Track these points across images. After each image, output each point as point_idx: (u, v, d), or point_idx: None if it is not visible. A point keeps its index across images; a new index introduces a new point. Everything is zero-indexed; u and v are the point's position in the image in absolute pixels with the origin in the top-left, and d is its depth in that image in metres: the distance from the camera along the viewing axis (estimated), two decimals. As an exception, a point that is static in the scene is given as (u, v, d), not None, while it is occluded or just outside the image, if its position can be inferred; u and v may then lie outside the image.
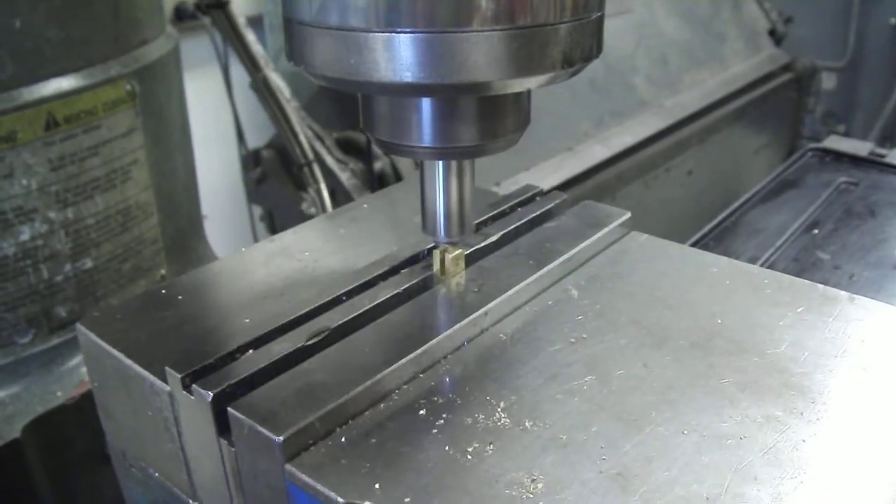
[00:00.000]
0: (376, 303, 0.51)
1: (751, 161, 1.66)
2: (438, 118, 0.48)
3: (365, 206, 0.66)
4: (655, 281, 0.55)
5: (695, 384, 0.46)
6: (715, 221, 0.94)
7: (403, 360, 0.46)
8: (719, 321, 0.51)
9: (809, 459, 0.41)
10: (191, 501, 0.50)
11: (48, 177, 0.76)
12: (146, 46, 0.85)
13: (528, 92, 0.50)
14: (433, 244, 0.54)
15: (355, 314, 0.50)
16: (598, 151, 1.35)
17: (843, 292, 0.54)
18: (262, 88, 1.16)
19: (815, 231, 0.93)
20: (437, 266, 0.53)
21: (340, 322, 0.49)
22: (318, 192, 1.08)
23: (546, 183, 1.28)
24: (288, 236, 0.63)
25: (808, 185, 1.01)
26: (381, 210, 0.67)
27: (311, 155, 1.11)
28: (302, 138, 1.12)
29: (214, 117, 1.39)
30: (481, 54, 0.43)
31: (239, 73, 1.29)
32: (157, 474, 0.52)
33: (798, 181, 1.02)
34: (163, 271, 0.89)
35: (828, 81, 2.18)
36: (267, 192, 1.32)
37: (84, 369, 0.80)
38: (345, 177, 1.15)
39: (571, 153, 1.33)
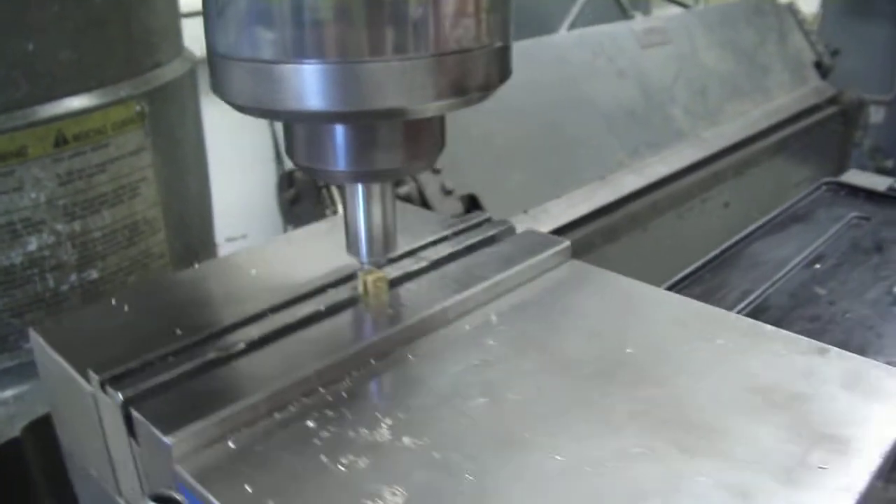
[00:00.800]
0: (296, 319, 0.53)
1: (791, 194, 1.63)
2: (353, 143, 0.50)
3: (324, 225, 0.69)
4: (579, 310, 0.57)
5: (584, 412, 0.47)
6: (714, 253, 0.94)
7: (303, 374, 0.49)
8: (629, 351, 0.52)
9: (672, 492, 0.41)
10: (117, 498, 0.53)
11: (56, 191, 0.81)
12: (159, 69, 0.90)
13: (441, 117, 0.52)
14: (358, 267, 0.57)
15: (273, 329, 0.52)
16: (631, 181, 1.35)
17: (769, 327, 0.55)
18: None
19: (817, 266, 0.92)
20: (360, 287, 0.56)
21: (256, 337, 0.52)
22: (336, 212, 1.11)
23: (576, 211, 1.29)
24: (246, 252, 0.66)
25: (818, 218, 1.00)
26: (320, 235, 0.69)
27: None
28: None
29: (254, 140, 1.44)
30: (388, 82, 0.45)
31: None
32: (94, 474, 0.55)
33: (808, 215, 1.01)
34: (169, 284, 0.93)
35: (876, 115, 2.13)
36: (300, 213, 1.36)
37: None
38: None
39: (604, 182, 1.34)
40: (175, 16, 0.97)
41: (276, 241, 0.67)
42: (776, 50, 1.75)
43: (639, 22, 1.61)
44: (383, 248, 0.54)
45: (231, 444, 0.45)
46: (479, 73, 0.48)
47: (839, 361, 0.51)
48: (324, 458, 0.44)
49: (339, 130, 0.50)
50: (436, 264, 0.60)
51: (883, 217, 0.99)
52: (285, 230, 1.60)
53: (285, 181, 1.33)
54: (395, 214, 0.54)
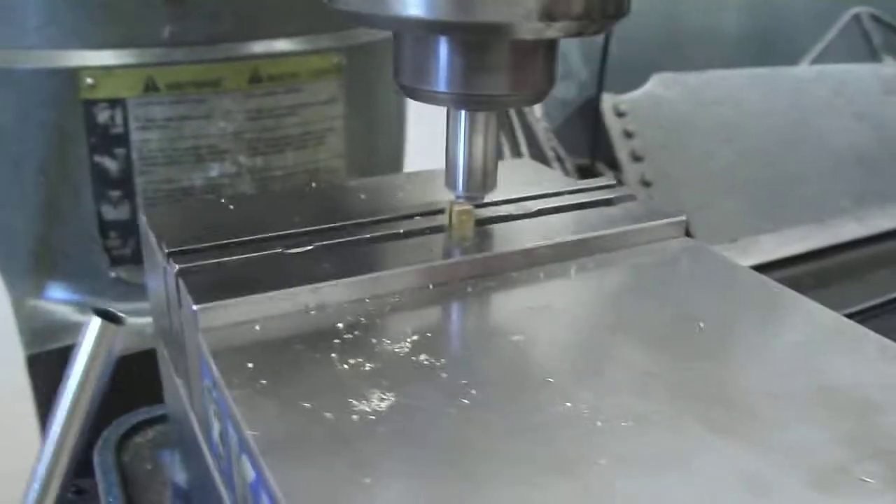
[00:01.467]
0: (373, 235, 0.53)
1: None
2: (457, 63, 0.49)
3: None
4: (666, 280, 0.52)
5: (621, 371, 0.43)
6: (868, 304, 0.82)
7: (353, 279, 0.48)
8: (701, 325, 0.47)
9: (671, 466, 0.36)
10: (179, 382, 0.55)
11: (244, 124, 0.86)
12: (359, 28, 0.93)
13: (556, 47, 0.50)
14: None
15: (345, 240, 0.52)
16: (851, 229, 1.24)
17: (871, 332, 0.47)
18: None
19: None
20: (446, 218, 0.54)
21: (326, 243, 0.52)
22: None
23: (789, 249, 1.20)
24: (368, 180, 0.67)
25: None
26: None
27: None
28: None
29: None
30: None
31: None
32: (164, 350, 0.58)
33: None
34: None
35: None
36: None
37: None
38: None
39: (821, 225, 1.23)
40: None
41: (400, 175, 0.67)
42: None
43: (887, 66, 1.47)
44: (481, 183, 0.53)
45: (257, 328, 0.45)
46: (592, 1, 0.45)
47: (942, 380, 0.43)
48: (333, 356, 0.43)
49: (445, 48, 0.49)
50: (535, 214, 0.57)
51: None
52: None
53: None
54: (497, 150, 0.53)
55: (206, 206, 0.60)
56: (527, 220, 0.56)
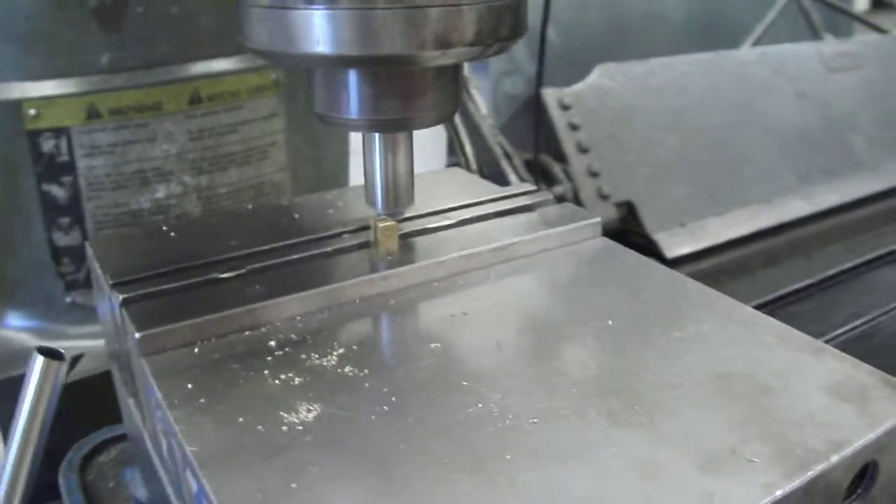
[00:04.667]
0: (301, 255, 0.56)
1: None
2: (367, 91, 0.52)
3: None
4: (581, 281, 0.56)
5: (533, 370, 0.47)
6: (831, 272, 0.87)
7: (283, 299, 0.51)
8: (610, 323, 0.51)
9: (573, 457, 0.40)
10: (131, 402, 0.58)
11: (187, 145, 0.89)
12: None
13: (457, 69, 0.53)
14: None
15: (277, 261, 0.55)
16: (798, 207, 1.28)
17: (771, 319, 0.51)
18: (464, 103, 1.24)
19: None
20: (372, 235, 0.57)
21: (258, 266, 0.55)
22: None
23: (736, 231, 1.24)
24: (300, 199, 0.70)
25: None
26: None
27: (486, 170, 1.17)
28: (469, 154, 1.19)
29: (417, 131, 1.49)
30: (398, 28, 0.47)
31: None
32: (117, 373, 0.61)
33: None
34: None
35: None
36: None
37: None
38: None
39: (769, 205, 1.27)
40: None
41: (333, 192, 0.70)
42: None
43: (828, 44, 1.52)
44: (398, 199, 0.56)
45: (195, 350, 0.48)
46: (488, 26, 0.49)
47: (832, 362, 0.47)
48: (266, 372, 0.46)
49: (354, 78, 0.52)
50: (456, 224, 0.61)
51: None
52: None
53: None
54: (412, 166, 0.56)
55: (147, 233, 0.63)
56: (449, 231, 0.60)
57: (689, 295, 0.54)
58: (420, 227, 0.60)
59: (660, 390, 0.45)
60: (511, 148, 1.31)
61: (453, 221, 0.61)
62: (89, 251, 0.60)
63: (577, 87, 1.32)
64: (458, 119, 1.27)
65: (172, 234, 0.62)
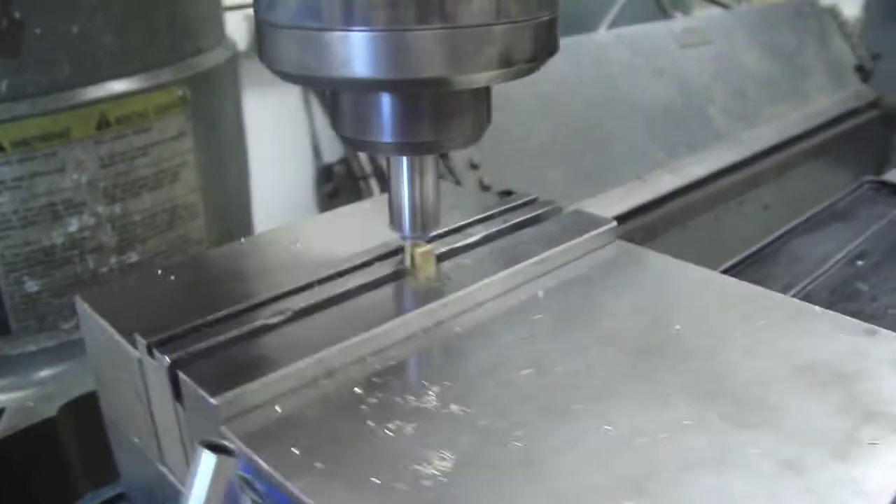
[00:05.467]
0: (343, 290, 0.53)
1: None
2: (398, 114, 0.50)
3: (366, 205, 0.69)
4: (625, 287, 0.56)
5: (633, 385, 0.47)
6: (755, 248, 0.93)
7: (351, 341, 0.48)
8: (677, 328, 0.51)
9: (723, 463, 0.41)
10: (160, 466, 0.53)
11: (98, 173, 0.82)
12: (201, 56, 0.91)
13: (488, 90, 0.52)
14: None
15: (320, 299, 0.52)
16: (668, 181, 1.35)
17: (817, 308, 0.54)
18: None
19: (860, 262, 0.91)
20: (407, 261, 0.55)
21: (304, 305, 0.51)
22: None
23: (613, 210, 1.29)
24: (288, 227, 0.66)
25: (860, 216, 0.99)
26: (365, 213, 0.70)
27: (368, 169, 1.15)
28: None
29: (292, 132, 1.45)
30: (432, 51, 0.45)
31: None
32: (137, 442, 0.55)
33: (849, 213, 1.00)
34: (207, 270, 0.93)
35: None
36: (338, 207, 1.37)
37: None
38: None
39: (641, 182, 1.33)
40: (217, 4, 0.98)
41: (318, 217, 0.67)
42: (817, 53, 1.74)
43: (678, 22, 1.60)
44: (427, 223, 0.54)
45: (278, 409, 0.45)
46: (525, 46, 0.48)
47: (888, 343, 0.50)
48: (370, 423, 0.44)
49: (385, 101, 0.50)
50: (483, 241, 0.60)
51: (927, 216, 0.98)
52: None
53: (324, 175, 1.34)
54: (439, 189, 0.54)
55: (146, 283, 0.57)
56: (477, 250, 0.59)
57: (731, 291, 0.56)
58: (447, 248, 0.58)
59: (756, 388, 0.46)
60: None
61: (477, 238, 0.59)
62: (85, 308, 0.54)
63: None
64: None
65: (172, 278, 0.57)
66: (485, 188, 1.27)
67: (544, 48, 0.50)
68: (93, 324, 0.54)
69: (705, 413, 0.44)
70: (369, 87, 0.48)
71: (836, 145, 1.61)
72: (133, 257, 0.86)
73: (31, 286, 0.82)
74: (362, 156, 1.16)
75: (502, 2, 0.45)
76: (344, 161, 1.36)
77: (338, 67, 0.46)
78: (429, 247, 0.55)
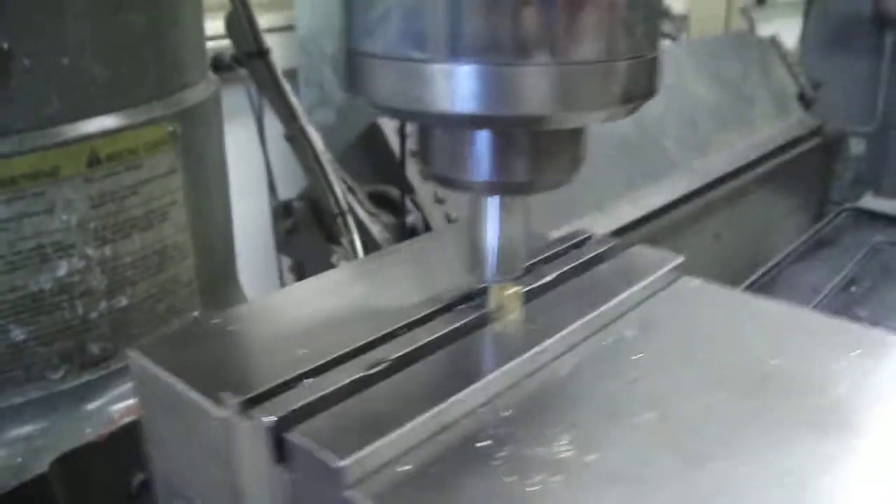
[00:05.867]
0: (435, 336, 0.50)
1: (780, 225, 1.67)
2: (495, 152, 0.48)
3: (395, 253, 0.66)
4: (708, 323, 0.55)
5: (756, 424, 0.45)
6: (752, 279, 0.94)
7: (464, 392, 0.46)
8: (774, 363, 0.51)
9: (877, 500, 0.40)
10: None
11: (88, 213, 0.76)
12: (188, 90, 0.86)
13: (583, 129, 0.51)
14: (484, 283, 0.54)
15: (414, 346, 0.49)
16: (627, 212, 1.36)
17: (898, 337, 0.54)
18: (299, 139, 1.17)
19: (853, 289, 0.93)
20: (493, 303, 0.53)
21: (400, 354, 0.48)
22: (352, 243, 1.08)
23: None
24: (331, 275, 0.63)
25: (844, 244, 1.01)
26: (412, 255, 0.67)
27: (345, 206, 1.11)
28: (337, 189, 1.12)
29: (246, 168, 1.40)
30: (540, 88, 0.43)
31: (271, 124, 1.30)
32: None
33: (834, 240, 1.03)
34: (196, 313, 0.88)
35: (857, 147, 2.18)
36: (297, 244, 1.32)
37: (114, 407, 0.80)
38: (376, 230, 1.16)
39: (602, 212, 1.34)
40: (201, 37, 0.93)
41: (351, 265, 0.64)
42: (761, 82, 1.79)
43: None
44: (513, 266, 0.52)
45: (402, 469, 0.42)
46: (629, 84, 0.47)
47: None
48: (507, 480, 0.41)
49: (482, 138, 0.48)
50: (557, 281, 0.58)
51: (908, 241, 1.01)
52: (278, 261, 1.56)
53: (281, 212, 1.29)
54: (526, 231, 0.52)
55: (204, 333, 0.53)
56: (553, 292, 0.57)
57: (810, 321, 0.56)
58: (527, 288, 0.56)
59: (879, 420, 0.46)
60: (352, 181, 1.27)
61: (551, 278, 0.57)
62: (145, 364, 0.50)
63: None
64: (309, 156, 1.20)
65: (230, 328, 0.53)
66: (452, 222, 1.25)
67: (648, 87, 0.49)
68: (151, 378, 0.50)
69: (838, 448, 0.43)
70: (469, 124, 0.46)
71: (782, 173, 1.66)
72: (123, 301, 0.81)
73: (18, 334, 0.75)
74: (339, 192, 1.13)
75: (621, 39, 0.44)
76: (303, 198, 1.32)
77: (440, 102, 0.44)
78: (515, 288, 0.53)
